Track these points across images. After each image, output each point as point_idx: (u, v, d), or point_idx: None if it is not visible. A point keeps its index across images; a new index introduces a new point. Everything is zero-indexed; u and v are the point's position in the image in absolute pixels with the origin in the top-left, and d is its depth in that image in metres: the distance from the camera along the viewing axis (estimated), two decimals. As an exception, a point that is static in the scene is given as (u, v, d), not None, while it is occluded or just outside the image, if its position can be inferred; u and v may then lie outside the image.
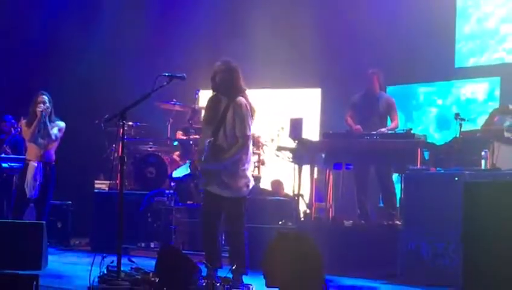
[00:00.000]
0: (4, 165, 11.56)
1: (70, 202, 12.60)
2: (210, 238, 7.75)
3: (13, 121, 12.12)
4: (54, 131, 10.02)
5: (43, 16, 14.10)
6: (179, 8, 13.87)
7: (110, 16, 13.81)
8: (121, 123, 7.45)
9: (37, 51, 14.23)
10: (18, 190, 10.27)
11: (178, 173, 11.79)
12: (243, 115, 7.56)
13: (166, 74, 7.69)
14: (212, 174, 7.61)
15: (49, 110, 9.99)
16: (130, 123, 12.08)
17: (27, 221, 9.77)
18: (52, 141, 10.04)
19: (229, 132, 7.58)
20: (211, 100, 7.89)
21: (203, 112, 12.16)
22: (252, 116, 7.65)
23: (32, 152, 10.08)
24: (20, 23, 14.08)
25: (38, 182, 9.95)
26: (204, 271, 7.40)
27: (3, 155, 11.73)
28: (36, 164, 9.97)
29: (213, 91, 7.83)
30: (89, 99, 13.58)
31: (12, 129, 12.10)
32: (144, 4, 13.80)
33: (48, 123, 9.92)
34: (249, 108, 7.62)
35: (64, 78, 13.95)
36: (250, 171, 7.84)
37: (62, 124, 10.17)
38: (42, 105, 9.91)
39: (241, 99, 7.62)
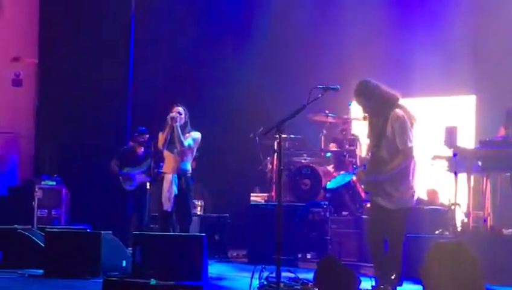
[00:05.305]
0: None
1: (227, 215, 12.86)
2: (377, 249, 7.78)
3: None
4: (188, 140, 10.16)
5: (198, 36, 14.46)
6: (328, 20, 13.91)
7: (263, 32, 14.05)
8: (278, 136, 7.58)
9: (191, 68, 14.62)
10: (155, 203, 10.55)
11: (332, 184, 11.85)
12: (402, 128, 7.61)
13: (321, 86, 7.79)
14: (376, 186, 7.70)
15: (180, 118, 10.14)
16: (285, 136, 12.20)
17: (188, 234, 10.04)
18: (183, 148, 10.14)
19: (389, 144, 7.64)
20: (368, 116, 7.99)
21: (354, 123, 12.45)
22: (412, 125, 7.69)
23: (168, 164, 10.23)
24: (176, 40, 14.49)
25: (173, 195, 10.11)
26: (360, 281, 7.44)
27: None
28: (171, 177, 10.15)
29: (366, 114, 7.93)
30: (243, 114, 13.80)
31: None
32: (295, 18, 13.94)
33: (179, 130, 10.05)
34: (407, 119, 7.65)
35: (220, 94, 14.29)
36: (415, 182, 7.82)
37: (196, 135, 10.28)
38: (172, 113, 10.13)
39: (397, 112, 7.67)
